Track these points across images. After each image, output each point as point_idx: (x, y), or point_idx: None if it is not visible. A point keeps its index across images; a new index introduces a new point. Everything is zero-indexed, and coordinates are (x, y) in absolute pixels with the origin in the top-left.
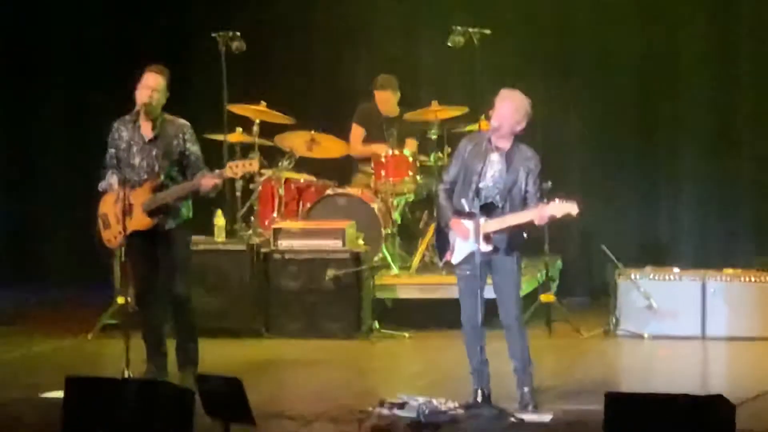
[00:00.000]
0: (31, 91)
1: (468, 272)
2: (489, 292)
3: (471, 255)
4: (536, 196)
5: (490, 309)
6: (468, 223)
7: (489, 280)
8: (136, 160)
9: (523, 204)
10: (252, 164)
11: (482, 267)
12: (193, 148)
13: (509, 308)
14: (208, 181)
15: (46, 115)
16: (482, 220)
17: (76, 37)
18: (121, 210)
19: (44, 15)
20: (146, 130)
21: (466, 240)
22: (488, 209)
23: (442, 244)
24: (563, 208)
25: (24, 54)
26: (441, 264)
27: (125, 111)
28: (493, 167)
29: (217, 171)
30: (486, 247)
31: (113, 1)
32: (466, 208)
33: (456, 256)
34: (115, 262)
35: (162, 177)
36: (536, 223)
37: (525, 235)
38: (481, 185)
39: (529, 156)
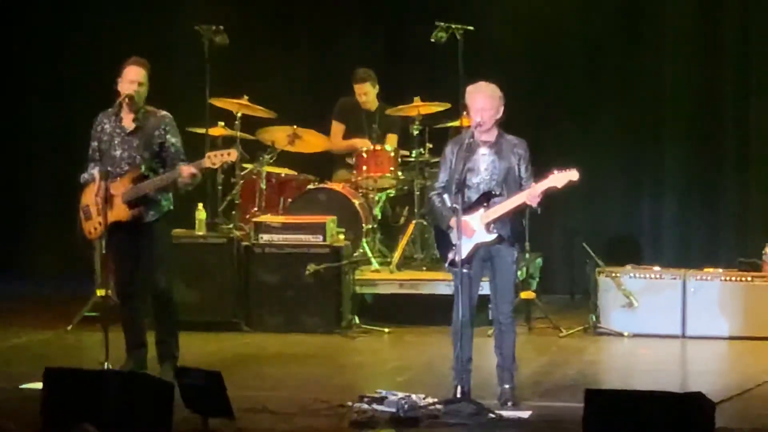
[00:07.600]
0: (13, 86)
1: (466, 270)
2: (481, 289)
3: (476, 250)
4: (530, 180)
5: (477, 305)
6: (468, 218)
7: (484, 278)
8: (117, 152)
9: (520, 190)
10: (230, 154)
11: (481, 263)
12: (173, 140)
13: (504, 305)
14: (185, 169)
15: (28, 110)
16: (481, 210)
17: (57, 31)
18: (101, 201)
19: (24, 7)
20: (127, 122)
21: (470, 236)
22: (487, 198)
23: (444, 246)
24: (563, 177)
25: (5, 50)
26: (446, 265)
27: (108, 104)
28: (485, 160)
29: (196, 161)
30: (488, 237)
31: None
32: (450, 203)
33: (460, 254)
34: (95, 254)
35: (143, 168)
36: (528, 203)
37: (524, 223)
38: (477, 180)
39: (516, 143)
